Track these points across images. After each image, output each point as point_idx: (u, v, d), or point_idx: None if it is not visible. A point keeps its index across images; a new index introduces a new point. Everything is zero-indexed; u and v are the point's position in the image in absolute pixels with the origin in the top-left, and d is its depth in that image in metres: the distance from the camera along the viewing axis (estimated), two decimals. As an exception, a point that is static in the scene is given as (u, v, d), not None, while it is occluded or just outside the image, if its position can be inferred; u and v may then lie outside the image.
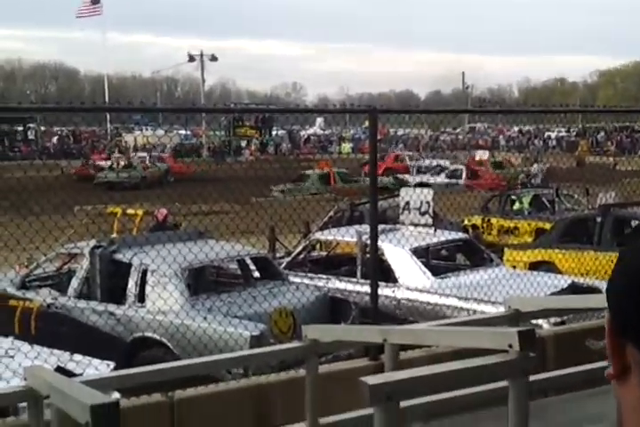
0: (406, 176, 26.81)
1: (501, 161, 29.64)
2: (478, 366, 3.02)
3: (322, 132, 57.80)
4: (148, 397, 4.44)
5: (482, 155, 31.21)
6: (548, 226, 11.84)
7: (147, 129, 50.94)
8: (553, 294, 6.93)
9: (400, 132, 49.66)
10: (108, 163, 33.18)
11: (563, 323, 6.30)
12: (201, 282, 7.54)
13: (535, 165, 27.35)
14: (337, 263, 9.02)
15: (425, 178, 25.30)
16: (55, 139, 48.58)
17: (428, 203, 8.12)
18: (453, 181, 25.04)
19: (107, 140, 49.57)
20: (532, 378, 3.21)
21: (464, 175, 26.18)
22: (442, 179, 25.16)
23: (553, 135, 50.81)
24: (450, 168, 27.32)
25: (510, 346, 2.99)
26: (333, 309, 7.32)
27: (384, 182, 25.04)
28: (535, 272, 8.05)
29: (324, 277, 8.21)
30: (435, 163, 29.71)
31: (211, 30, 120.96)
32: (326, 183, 26.18)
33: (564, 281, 7.50)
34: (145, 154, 36.76)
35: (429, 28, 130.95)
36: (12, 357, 5.23)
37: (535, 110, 7.98)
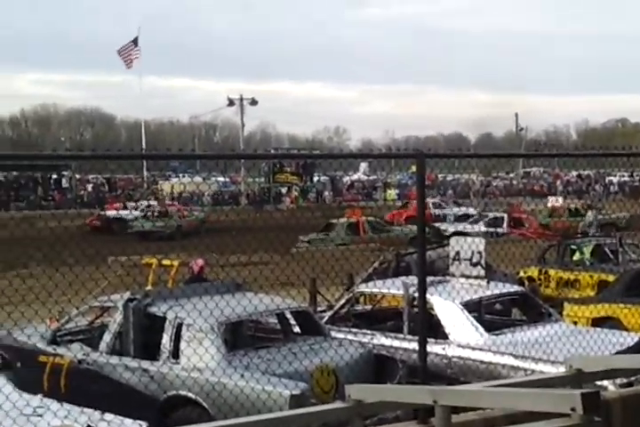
0: (443, 225, 26.63)
1: (578, 208, 29.02)
2: (538, 431, 2.95)
3: (366, 177, 58.13)
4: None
5: (554, 201, 30.62)
6: (611, 278, 11.59)
7: (184, 176, 51.95)
8: (618, 352, 6.74)
9: (449, 177, 49.70)
10: (125, 212, 34.01)
11: (630, 385, 6.10)
12: (238, 337, 7.55)
13: (589, 213, 26.97)
14: (382, 318, 8.94)
15: (461, 227, 25.10)
16: (90, 187, 49.83)
17: (480, 253, 8.06)
18: (492, 229, 24.71)
19: (143, 187, 50.60)
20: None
21: (505, 224, 25.84)
22: (480, 227, 24.87)
23: (615, 180, 50.20)
24: (490, 216, 26.99)
25: (573, 409, 2.93)
26: (378, 367, 7.24)
27: (414, 232, 24.91)
28: (598, 329, 7.86)
29: (369, 332, 8.14)
30: (461, 211, 29.36)
31: (250, 73, 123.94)
32: (355, 233, 25.90)
33: (630, 339, 7.30)
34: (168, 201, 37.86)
35: (478, 67, 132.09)
36: (41, 415, 5.27)
37: (595, 154, 7.91)
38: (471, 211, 29.54)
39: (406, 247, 13.57)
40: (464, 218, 27.87)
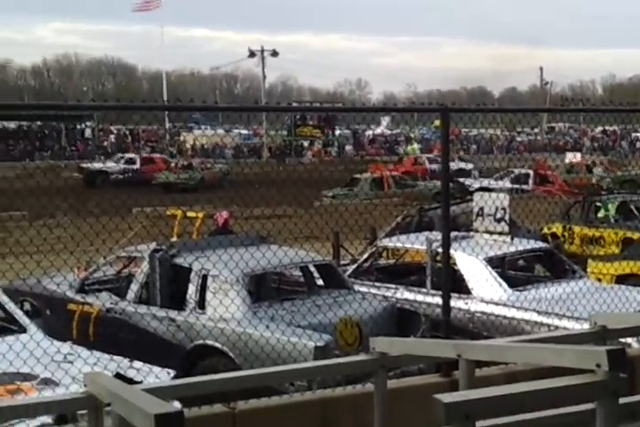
0: (468, 180, 26.43)
1: (589, 164, 28.69)
2: (563, 386, 2.98)
3: (389, 132, 57.67)
4: (210, 407, 4.53)
5: (572, 157, 30.22)
6: (636, 236, 11.53)
7: (206, 128, 51.85)
8: (643, 309, 6.76)
9: (473, 132, 49.19)
10: (110, 164, 33.81)
11: (653, 342, 6.13)
12: (263, 289, 7.64)
13: (595, 169, 26.63)
14: (405, 272, 8.99)
15: (486, 182, 24.89)
16: (113, 137, 49.93)
17: (504, 209, 8.02)
18: (518, 186, 24.49)
19: (165, 139, 50.63)
20: (620, 401, 3.15)
21: (531, 181, 25.57)
22: (506, 183, 24.66)
23: (641, 136, 49.44)
24: (515, 172, 26.72)
25: (598, 366, 2.94)
26: (401, 320, 7.31)
27: (438, 188, 24.72)
28: (623, 286, 7.85)
29: (392, 286, 8.20)
30: (456, 166, 28.94)
31: (272, 24, 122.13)
32: (379, 188, 25.79)
33: (655, 296, 7.29)
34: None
35: (504, 19, 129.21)
36: (71, 362, 5.40)
37: (623, 109, 7.78)
38: (463, 165, 29.13)
39: (430, 202, 13.55)
40: (459, 173, 27.49)
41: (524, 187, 24.50)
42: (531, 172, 26.35)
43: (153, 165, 34.07)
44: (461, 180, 25.47)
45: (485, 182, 24.33)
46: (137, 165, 34.00)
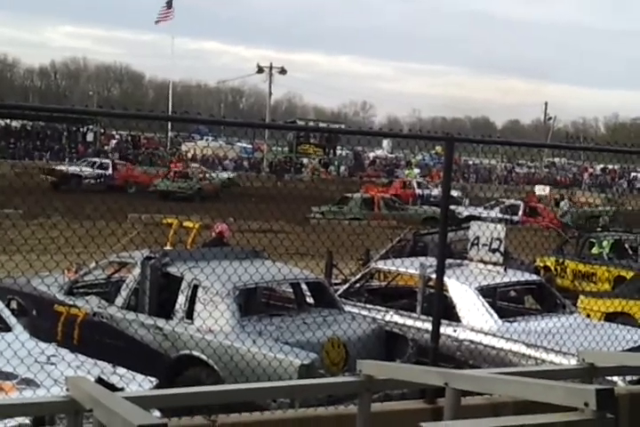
0: (459, 208, 26.52)
1: (557, 198, 29.01)
2: (549, 422, 2.95)
3: (389, 155, 57.87)
4: (191, 419, 4.48)
5: (541, 191, 30.48)
6: (629, 274, 11.52)
7: (207, 139, 51.92)
8: (631, 349, 6.72)
9: (471, 160, 49.39)
10: (85, 169, 32.84)
11: (639, 382, 6.10)
12: (253, 303, 7.59)
13: (562, 202, 26.75)
14: (396, 296, 8.96)
15: (477, 211, 24.92)
16: (114, 142, 49.96)
17: (499, 240, 8.01)
18: (507, 216, 24.49)
19: (166, 147, 50.69)
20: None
21: (520, 212, 25.62)
22: (495, 213, 24.67)
23: (640, 176, 49.74)
24: (506, 202, 26.79)
25: (586, 404, 2.92)
26: (389, 343, 7.27)
27: (436, 213, 24.86)
28: (613, 324, 7.83)
29: (382, 309, 8.17)
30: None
31: (283, 42, 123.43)
32: (369, 208, 25.80)
33: (643, 336, 7.27)
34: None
35: (513, 53, 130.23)
36: (55, 364, 5.35)
37: (626, 151, 7.81)
38: (455, 194, 29.20)
39: (424, 227, 13.54)
40: (493, 204, 27.59)
41: (514, 218, 24.51)
42: (521, 203, 26.40)
43: (123, 172, 33.76)
44: (452, 207, 25.41)
45: (475, 211, 24.37)
46: (109, 171, 33.46)
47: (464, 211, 25.87)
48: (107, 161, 34.74)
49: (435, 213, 24.73)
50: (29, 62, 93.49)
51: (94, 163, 34.05)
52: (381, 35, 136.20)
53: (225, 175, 34.68)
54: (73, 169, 32.33)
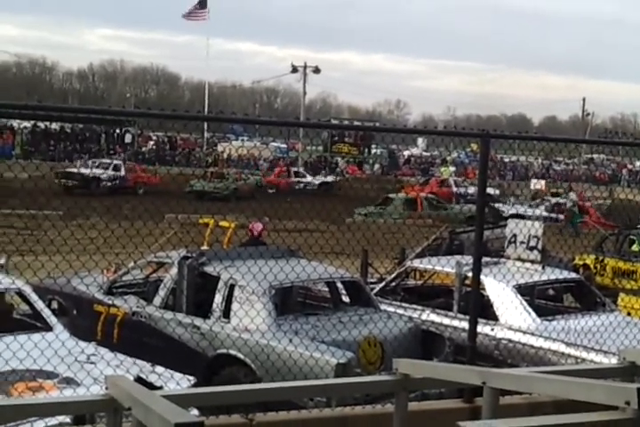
0: (501, 206, 26.25)
1: (559, 191, 28.62)
2: (590, 422, 2.90)
3: (425, 153, 57.55)
4: (228, 417, 4.50)
5: (536, 184, 29.99)
6: (670, 272, 11.29)
7: (243, 140, 52.17)
8: (673, 348, 6.59)
9: (507, 158, 48.84)
10: (98, 171, 31.25)
11: (682, 381, 5.97)
12: (289, 302, 7.61)
13: (572, 193, 26.34)
14: (432, 294, 8.90)
15: (522, 210, 24.58)
16: (151, 144, 50.47)
17: (537, 237, 7.91)
18: (554, 215, 24.16)
19: (203, 148, 51.03)
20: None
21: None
22: (541, 212, 24.36)
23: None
24: (552, 201, 26.43)
25: (627, 403, 2.86)
26: (425, 342, 7.22)
27: (472, 212, 24.60)
28: (654, 322, 7.69)
29: (418, 307, 8.12)
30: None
31: (317, 41, 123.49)
32: (412, 208, 25.73)
33: (686, 335, 7.12)
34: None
35: (549, 48, 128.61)
36: (94, 363, 5.41)
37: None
38: (490, 190, 28.92)
39: (462, 226, 13.44)
40: (539, 202, 27.29)
41: (559, 216, 24.20)
42: (567, 202, 26.04)
43: (134, 174, 32.82)
44: (496, 205, 25.25)
45: (521, 209, 24.05)
46: (122, 172, 32.23)
47: (509, 209, 25.61)
48: (119, 162, 33.31)
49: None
50: (68, 65, 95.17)
51: (107, 164, 32.42)
52: (415, 32, 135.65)
53: (254, 178, 34.59)
54: (93, 172, 31.01)
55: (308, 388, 4.26)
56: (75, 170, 31.17)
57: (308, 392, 4.49)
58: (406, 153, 55.55)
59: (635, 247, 13.86)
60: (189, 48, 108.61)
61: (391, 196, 26.89)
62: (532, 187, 29.67)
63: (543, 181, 31.77)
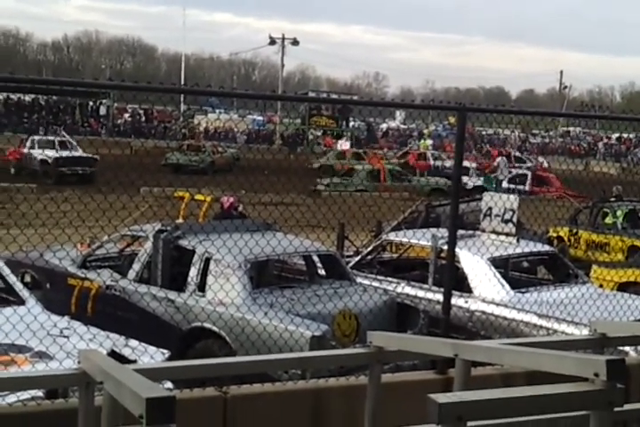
0: (464, 179, 26.34)
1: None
2: (559, 393, 2.92)
3: (402, 126, 57.49)
4: (202, 390, 4.49)
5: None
6: (643, 244, 11.43)
7: (221, 112, 51.72)
8: (644, 319, 6.69)
9: (484, 131, 48.98)
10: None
11: (652, 352, 6.07)
12: (264, 276, 7.60)
13: (499, 159, 26.53)
14: (408, 267, 8.94)
15: (482, 181, 24.64)
16: (127, 116, 49.87)
17: (512, 210, 7.95)
18: (513, 186, 24.22)
19: (179, 120, 50.56)
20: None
21: (528, 182, 25.34)
22: (503, 184, 24.44)
23: (655, 144, 49.24)
24: (513, 172, 26.49)
25: (596, 375, 2.89)
26: (400, 315, 7.26)
27: (441, 184, 24.87)
28: (626, 294, 7.79)
29: (394, 280, 8.16)
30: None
31: (295, 12, 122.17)
32: (376, 180, 25.76)
33: (656, 306, 7.23)
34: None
35: (528, 21, 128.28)
36: (67, 337, 5.37)
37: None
38: (466, 163, 29.02)
39: (433, 198, 13.48)
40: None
41: (520, 188, 24.24)
42: (529, 173, 26.09)
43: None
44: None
45: (482, 181, 24.08)
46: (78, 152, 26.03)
47: (471, 181, 25.74)
48: (66, 139, 27.30)
49: (440, 185, 24.71)
50: (42, 36, 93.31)
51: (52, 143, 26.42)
52: (394, 3, 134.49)
53: (230, 151, 34.31)
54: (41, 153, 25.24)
55: (283, 361, 4.26)
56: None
57: (283, 365, 4.50)
58: (384, 126, 55.45)
59: (608, 220, 13.99)
60: (166, 19, 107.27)
61: (356, 167, 26.91)
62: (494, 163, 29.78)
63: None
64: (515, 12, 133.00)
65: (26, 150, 26.78)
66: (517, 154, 32.54)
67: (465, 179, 25.88)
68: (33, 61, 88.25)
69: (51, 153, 25.20)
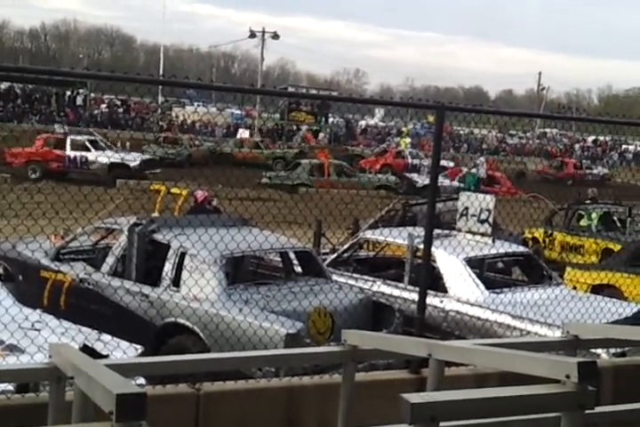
0: (414, 176, 26.51)
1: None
2: (531, 394, 2.95)
3: (382, 123, 57.56)
4: (175, 387, 4.48)
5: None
6: (616, 247, 11.56)
7: (199, 105, 51.41)
8: (616, 322, 6.76)
9: (462, 131, 49.22)
10: None
11: (623, 355, 6.14)
12: (240, 272, 7.58)
13: (481, 158, 26.79)
14: (384, 266, 8.96)
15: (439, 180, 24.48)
16: (104, 107, 49.40)
17: (488, 211, 8.00)
18: (464, 185, 24.26)
19: (157, 112, 50.18)
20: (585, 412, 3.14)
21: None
22: (454, 182, 24.36)
23: (631, 148, 49.76)
24: (463, 171, 26.56)
25: (568, 377, 2.92)
26: (375, 314, 7.28)
27: (390, 181, 25.06)
28: (599, 296, 7.88)
29: (370, 279, 8.17)
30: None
31: (276, 5, 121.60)
32: (320, 174, 25.77)
33: (629, 309, 7.31)
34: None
35: (509, 22, 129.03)
36: (39, 330, 5.32)
37: (617, 121, 7.76)
38: (445, 164, 29.09)
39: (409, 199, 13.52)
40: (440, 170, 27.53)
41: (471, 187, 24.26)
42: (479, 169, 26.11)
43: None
44: (409, 175, 25.65)
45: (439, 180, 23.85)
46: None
47: (421, 178, 25.86)
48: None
49: (388, 182, 24.88)
50: (19, 24, 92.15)
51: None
52: (375, 0, 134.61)
53: (207, 145, 34.21)
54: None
55: (257, 358, 4.25)
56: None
57: (257, 362, 4.49)
58: (363, 123, 55.47)
59: (583, 222, 14.13)
60: (145, 9, 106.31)
61: (300, 161, 26.92)
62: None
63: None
64: (496, 13, 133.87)
65: (70, 153, 24.18)
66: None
67: (416, 177, 26.15)
68: (9, 49, 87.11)
69: (115, 155, 23.48)
